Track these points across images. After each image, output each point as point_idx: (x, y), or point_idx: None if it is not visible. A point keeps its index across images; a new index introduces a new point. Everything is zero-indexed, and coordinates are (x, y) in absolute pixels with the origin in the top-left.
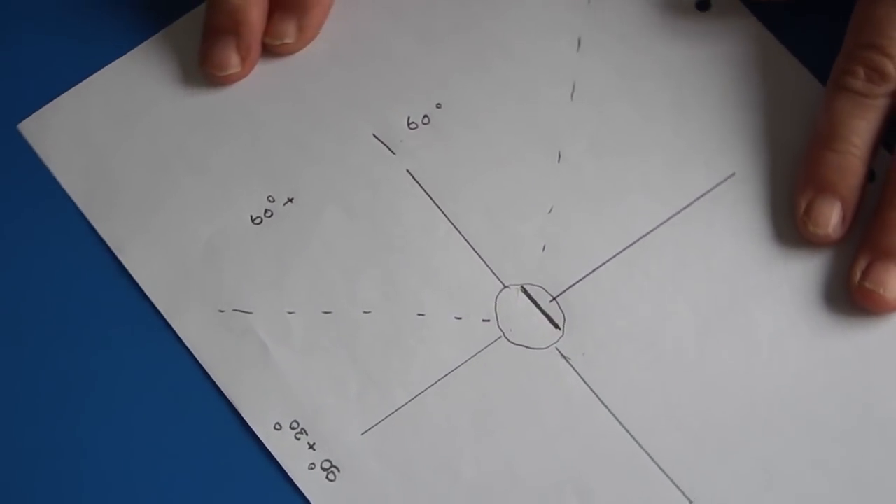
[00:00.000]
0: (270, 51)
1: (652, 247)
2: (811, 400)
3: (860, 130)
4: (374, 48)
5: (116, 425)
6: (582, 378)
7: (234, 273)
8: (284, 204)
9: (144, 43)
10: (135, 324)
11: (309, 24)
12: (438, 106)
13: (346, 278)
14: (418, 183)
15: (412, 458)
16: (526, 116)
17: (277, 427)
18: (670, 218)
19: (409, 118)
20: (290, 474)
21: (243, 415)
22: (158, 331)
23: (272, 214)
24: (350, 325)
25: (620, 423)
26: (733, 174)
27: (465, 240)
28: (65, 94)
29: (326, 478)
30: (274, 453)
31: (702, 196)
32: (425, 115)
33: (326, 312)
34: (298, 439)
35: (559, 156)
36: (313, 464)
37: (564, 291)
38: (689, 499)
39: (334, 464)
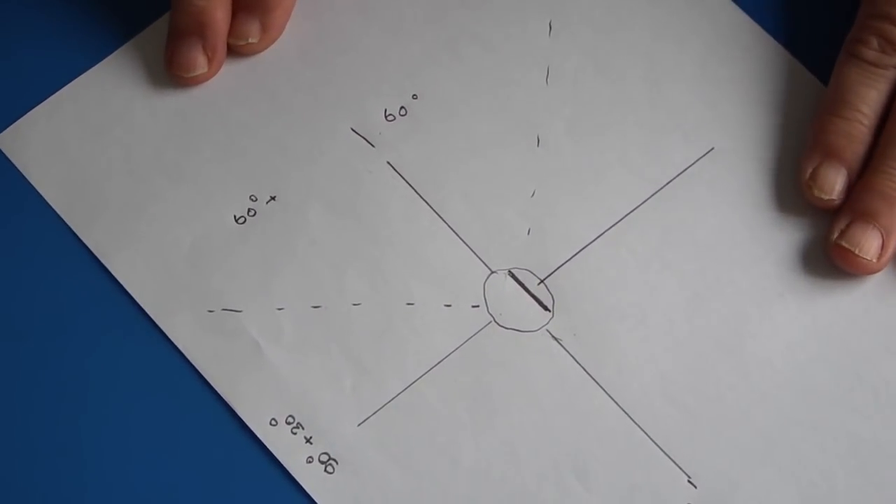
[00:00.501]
0: (236, 51)
1: (636, 224)
2: (803, 367)
3: (870, 100)
4: (345, 44)
5: (113, 430)
6: (574, 358)
7: (221, 273)
8: (267, 202)
9: (115, 52)
10: (125, 329)
11: (272, 23)
12: (415, 97)
13: (333, 272)
14: (400, 174)
15: (410, 446)
16: (503, 102)
17: (273, 423)
18: (653, 195)
19: (386, 111)
20: (288, 469)
21: (239, 413)
22: (150, 335)
23: (255, 213)
24: (340, 318)
25: (615, 400)
26: (712, 149)
27: (451, 228)
28: (39, 107)
29: (325, 470)
30: (271, 449)
31: (683, 171)
32: (402, 107)
33: (316, 307)
34: (295, 434)
35: (538, 139)
36: (311, 457)
37: (552, 273)
38: (686, 473)
39: (332, 456)
